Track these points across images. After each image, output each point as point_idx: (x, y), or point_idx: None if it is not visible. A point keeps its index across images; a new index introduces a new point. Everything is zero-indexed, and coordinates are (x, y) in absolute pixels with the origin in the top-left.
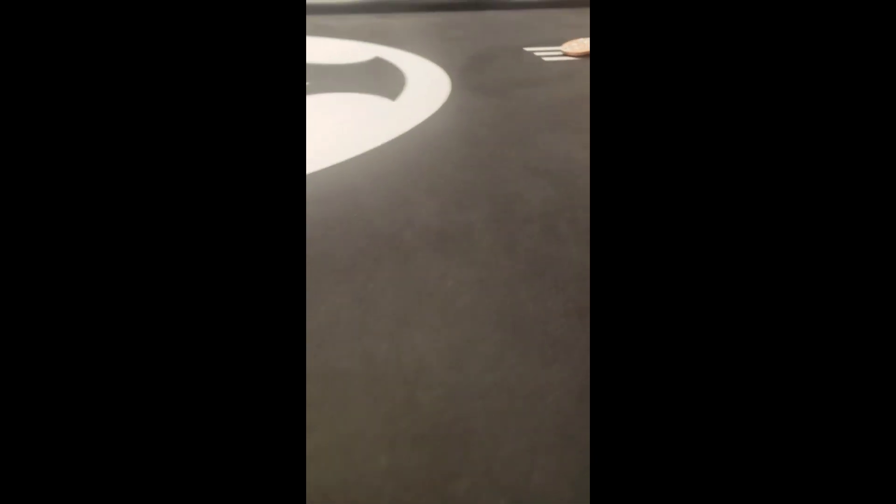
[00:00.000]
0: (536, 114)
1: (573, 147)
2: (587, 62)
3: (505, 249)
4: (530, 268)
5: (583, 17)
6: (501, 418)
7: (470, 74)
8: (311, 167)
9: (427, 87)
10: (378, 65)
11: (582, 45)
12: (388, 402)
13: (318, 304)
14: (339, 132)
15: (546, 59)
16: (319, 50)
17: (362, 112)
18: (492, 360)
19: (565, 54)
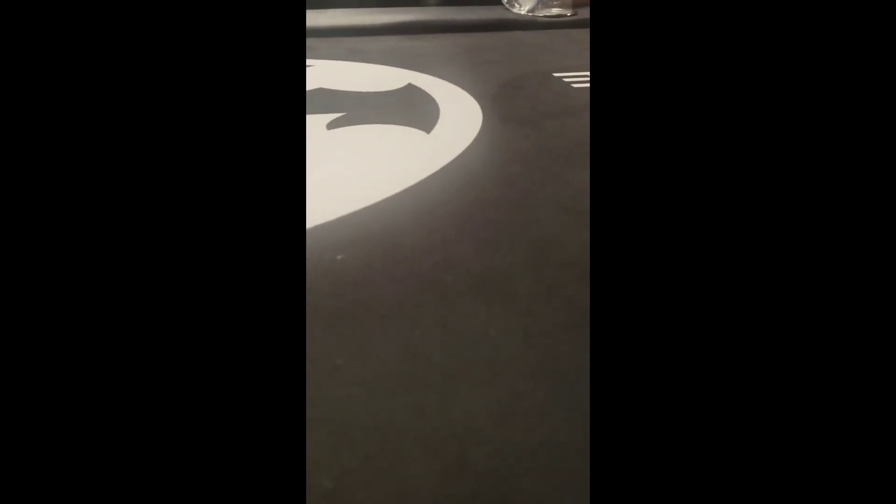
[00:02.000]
0: (567, 147)
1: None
2: None
3: (545, 297)
4: (570, 318)
5: None
6: (549, 478)
7: (500, 103)
8: (355, 205)
9: (459, 117)
10: (411, 92)
11: None
12: (440, 458)
13: (369, 352)
14: (380, 169)
15: (575, 85)
16: (355, 76)
17: (400, 146)
18: (538, 417)
19: None
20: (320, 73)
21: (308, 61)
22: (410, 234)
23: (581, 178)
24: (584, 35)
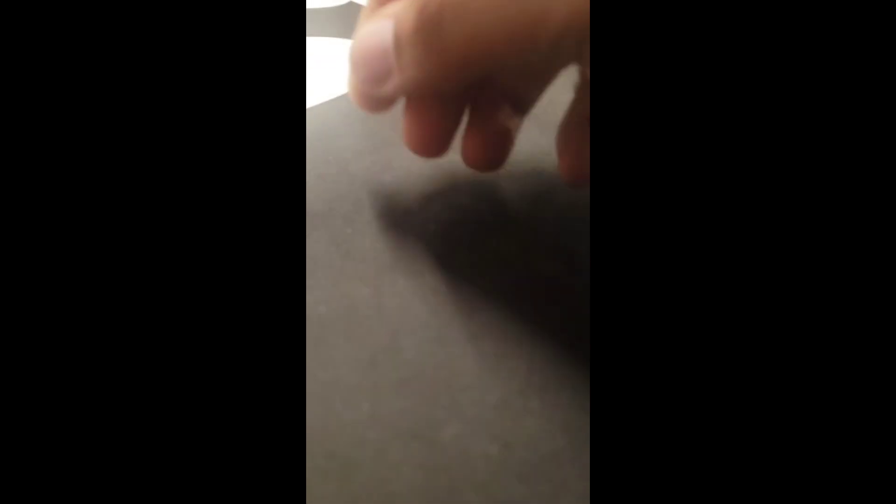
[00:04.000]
0: None
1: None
2: None
3: (488, 193)
4: (513, 213)
5: None
6: (489, 360)
7: None
8: None
9: None
10: (353, 9)
11: None
12: (368, 347)
13: None
14: (313, 77)
15: None
16: None
17: (338, 57)
18: (477, 304)
19: None
20: None
21: None
22: (345, 136)
23: None
24: None
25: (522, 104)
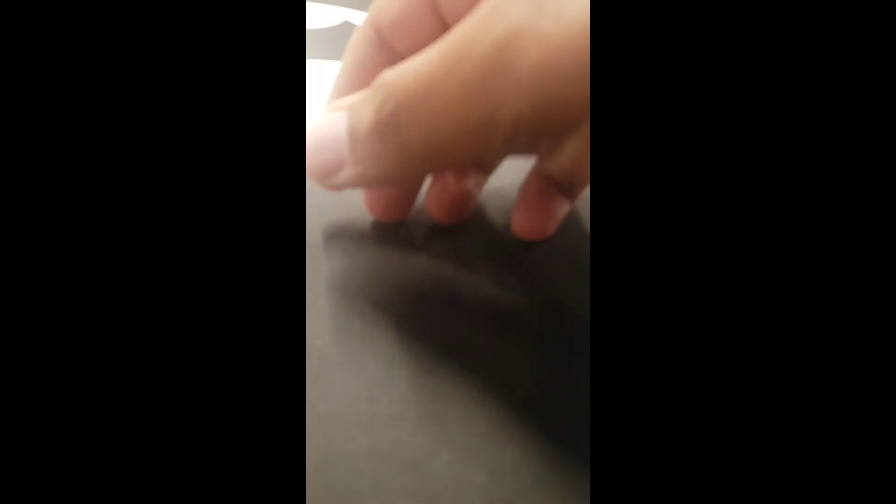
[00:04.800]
0: None
1: None
2: None
3: (480, 208)
4: (501, 251)
5: None
6: (479, 391)
7: None
8: None
9: None
10: (348, 29)
11: None
12: (367, 380)
13: None
14: (309, 99)
15: None
16: None
17: (331, 81)
18: (468, 335)
19: None
20: None
21: None
22: None
23: None
24: None
25: (485, 169)
